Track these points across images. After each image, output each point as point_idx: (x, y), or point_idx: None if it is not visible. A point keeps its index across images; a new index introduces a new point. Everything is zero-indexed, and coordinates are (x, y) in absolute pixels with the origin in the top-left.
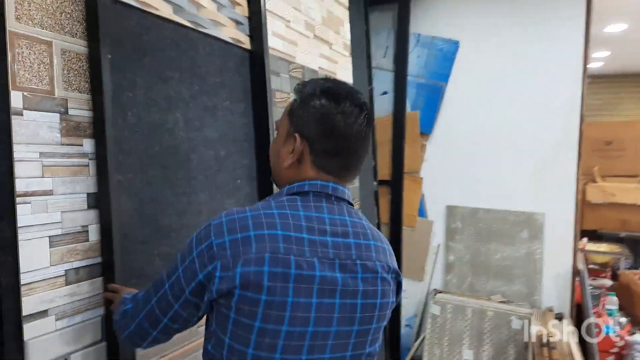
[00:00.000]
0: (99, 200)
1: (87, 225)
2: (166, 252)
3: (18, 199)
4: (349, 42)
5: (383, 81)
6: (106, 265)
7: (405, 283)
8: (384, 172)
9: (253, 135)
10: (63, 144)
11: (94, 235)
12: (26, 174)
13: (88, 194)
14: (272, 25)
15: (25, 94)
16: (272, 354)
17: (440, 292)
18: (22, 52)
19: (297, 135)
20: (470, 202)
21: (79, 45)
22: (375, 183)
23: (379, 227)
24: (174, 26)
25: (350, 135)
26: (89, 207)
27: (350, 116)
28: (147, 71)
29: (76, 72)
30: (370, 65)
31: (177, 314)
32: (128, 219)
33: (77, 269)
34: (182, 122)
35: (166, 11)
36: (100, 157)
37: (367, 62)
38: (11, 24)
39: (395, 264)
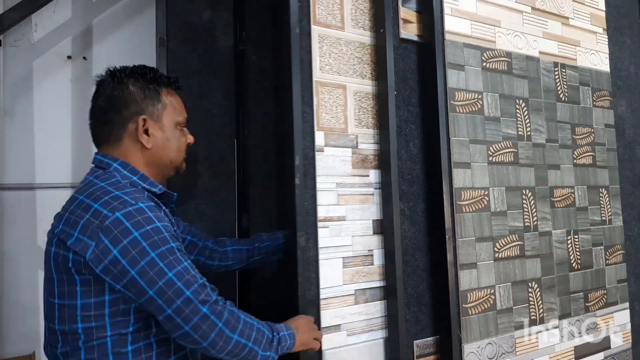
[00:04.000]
0: (383, 227)
1: (372, 250)
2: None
3: (319, 224)
4: (603, 14)
5: None
6: (389, 289)
7: None
8: None
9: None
10: (353, 175)
11: (377, 259)
12: (325, 201)
13: (373, 221)
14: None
15: (325, 132)
16: None
17: None
18: (324, 98)
19: None
20: None
21: (368, 86)
22: None
23: None
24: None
25: None
26: (374, 232)
27: None
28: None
29: (364, 110)
30: None
31: None
32: (411, 246)
33: (363, 289)
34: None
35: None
36: (385, 187)
37: None
38: (316, 74)
39: None
